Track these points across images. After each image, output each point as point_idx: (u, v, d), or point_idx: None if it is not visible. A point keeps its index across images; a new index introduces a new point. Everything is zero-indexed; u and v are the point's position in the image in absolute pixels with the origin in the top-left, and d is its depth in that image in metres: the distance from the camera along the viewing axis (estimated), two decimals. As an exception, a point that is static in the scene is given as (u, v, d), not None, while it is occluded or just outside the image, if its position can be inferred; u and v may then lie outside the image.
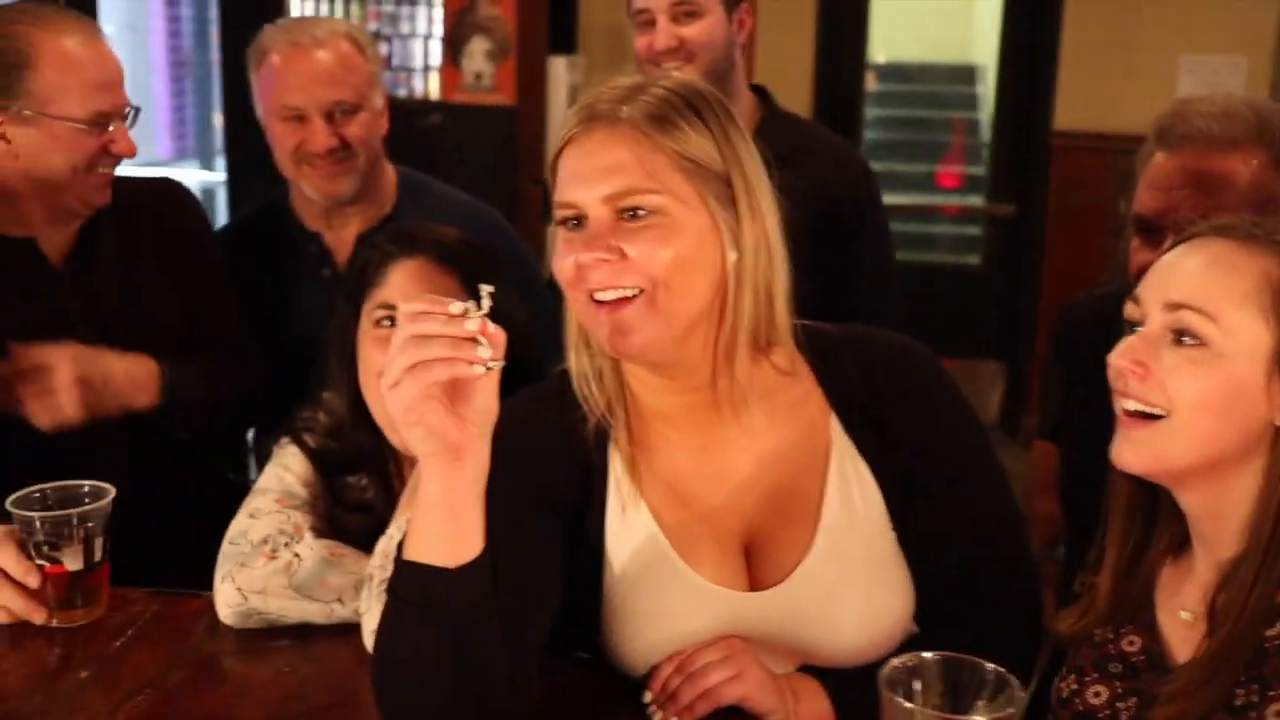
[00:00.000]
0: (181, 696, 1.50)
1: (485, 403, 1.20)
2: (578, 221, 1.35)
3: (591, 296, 1.35)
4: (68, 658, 1.58)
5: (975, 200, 7.07)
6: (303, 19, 2.33)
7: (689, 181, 1.34)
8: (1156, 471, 1.31)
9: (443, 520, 1.22)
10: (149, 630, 1.65)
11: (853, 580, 1.42)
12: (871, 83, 8.33)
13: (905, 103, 8.33)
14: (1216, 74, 4.97)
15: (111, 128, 1.98)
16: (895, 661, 1.15)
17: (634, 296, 1.33)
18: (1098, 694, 1.38)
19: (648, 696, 1.39)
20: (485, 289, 1.19)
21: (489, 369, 1.17)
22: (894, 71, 8.47)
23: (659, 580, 1.42)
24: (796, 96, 5.51)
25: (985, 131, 7.12)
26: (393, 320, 1.66)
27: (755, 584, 1.43)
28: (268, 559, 1.62)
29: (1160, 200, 1.69)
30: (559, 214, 1.37)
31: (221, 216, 5.88)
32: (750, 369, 1.41)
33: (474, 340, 1.15)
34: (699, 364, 1.39)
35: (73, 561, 1.62)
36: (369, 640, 1.48)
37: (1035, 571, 1.50)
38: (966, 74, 8.37)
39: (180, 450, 2.10)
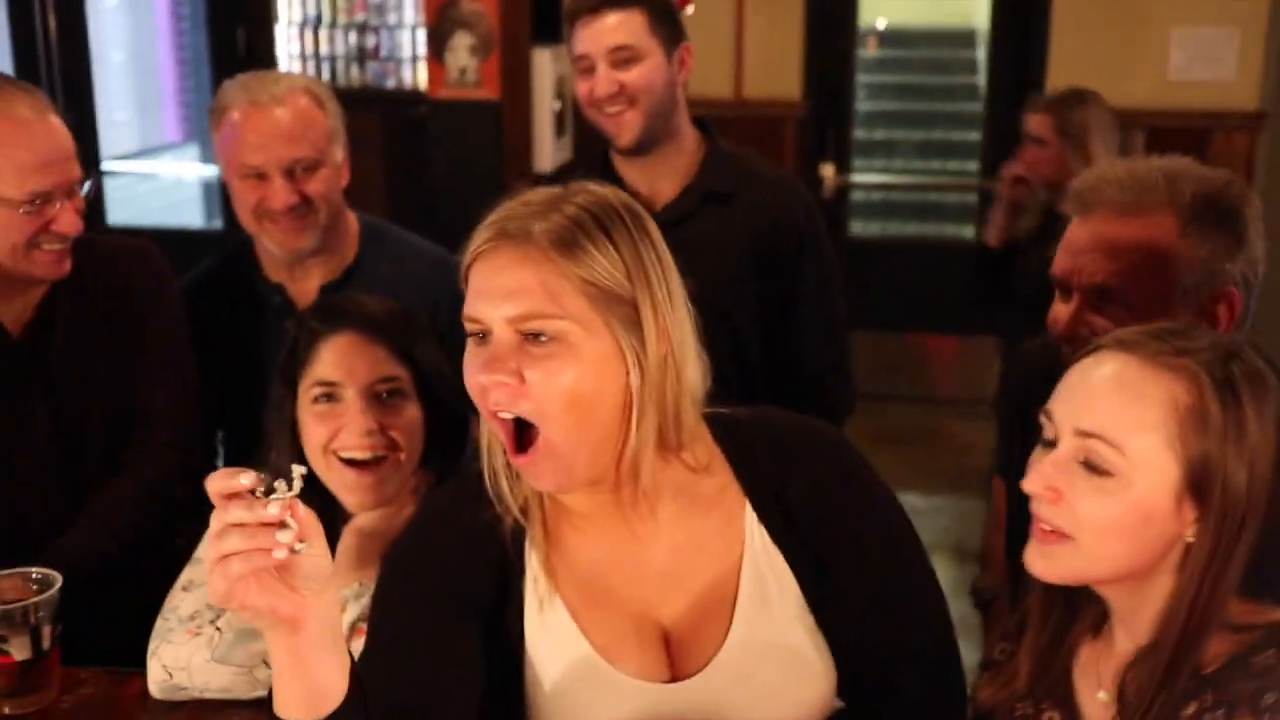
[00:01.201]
0: (127, 786, 1.53)
1: (313, 566, 1.19)
2: (482, 336, 1.36)
3: (494, 414, 1.36)
4: (15, 744, 1.61)
5: (970, 165, 7.01)
6: (262, 75, 2.28)
7: (593, 307, 1.33)
8: (1068, 581, 1.34)
9: (296, 682, 1.21)
10: (99, 714, 1.67)
11: (770, 667, 1.43)
12: (871, 48, 8.28)
13: (904, 69, 8.26)
14: (1209, 46, 4.92)
15: (57, 205, 1.95)
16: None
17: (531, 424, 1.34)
18: None
19: None
20: (298, 470, 1.17)
21: (295, 552, 1.15)
22: (895, 37, 8.39)
23: (579, 677, 1.42)
24: (786, 67, 5.49)
25: (979, 96, 7.07)
26: (330, 396, 1.72)
27: (676, 674, 1.44)
28: (191, 634, 1.66)
29: (1068, 263, 1.69)
30: (468, 326, 1.38)
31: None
32: (661, 469, 1.41)
33: (281, 524, 1.14)
34: (604, 474, 1.40)
35: (20, 651, 1.64)
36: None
37: (955, 658, 1.50)
38: (967, 38, 8.29)
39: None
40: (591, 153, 2.61)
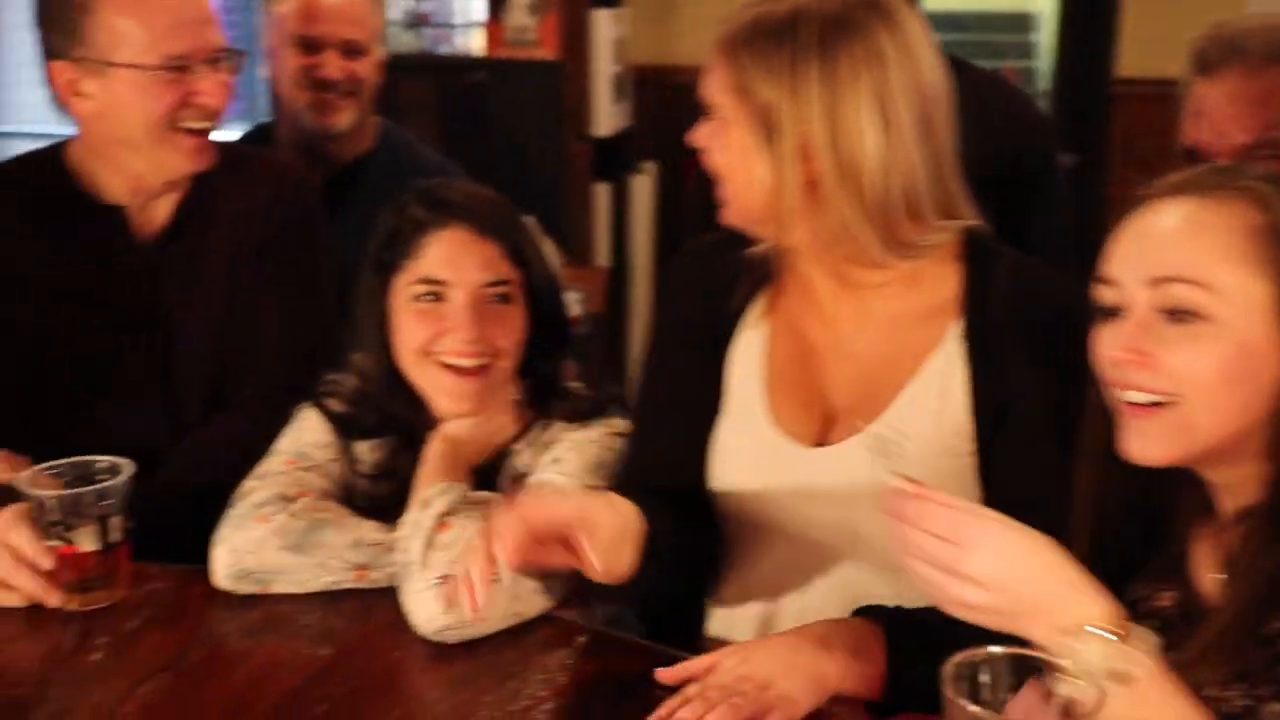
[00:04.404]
0: (200, 679, 1.43)
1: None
2: None
3: None
4: (84, 638, 1.51)
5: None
6: None
7: None
8: (1176, 457, 1.20)
9: None
10: (168, 609, 1.58)
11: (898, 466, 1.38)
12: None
13: (959, 52, 8.13)
14: (1289, 16, 4.77)
15: (198, 73, 1.81)
16: (959, 657, 1.04)
17: None
18: None
19: None
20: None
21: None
22: (948, 21, 8.25)
23: (742, 419, 1.56)
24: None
25: (1043, 80, 6.92)
26: (435, 295, 1.62)
27: (821, 442, 1.52)
28: (262, 521, 1.57)
29: (1211, 127, 1.58)
30: None
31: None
32: (895, 263, 1.48)
33: None
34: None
35: (87, 543, 1.54)
36: (414, 611, 1.47)
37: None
38: (1022, 21, 8.14)
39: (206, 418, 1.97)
40: (650, 119, 2.68)
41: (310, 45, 2.33)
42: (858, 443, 1.48)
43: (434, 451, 1.63)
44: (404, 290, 1.65)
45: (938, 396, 1.48)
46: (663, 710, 1.33)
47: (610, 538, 1.35)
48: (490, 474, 1.69)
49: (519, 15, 4.77)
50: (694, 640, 1.61)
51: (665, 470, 1.58)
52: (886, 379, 1.50)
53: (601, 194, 4.79)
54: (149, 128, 1.81)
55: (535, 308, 1.68)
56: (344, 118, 2.37)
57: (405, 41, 5.85)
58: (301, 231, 1.98)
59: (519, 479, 1.67)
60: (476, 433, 1.67)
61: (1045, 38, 7.25)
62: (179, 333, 1.93)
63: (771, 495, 1.54)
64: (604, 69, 4.79)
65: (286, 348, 1.93)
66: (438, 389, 1.65)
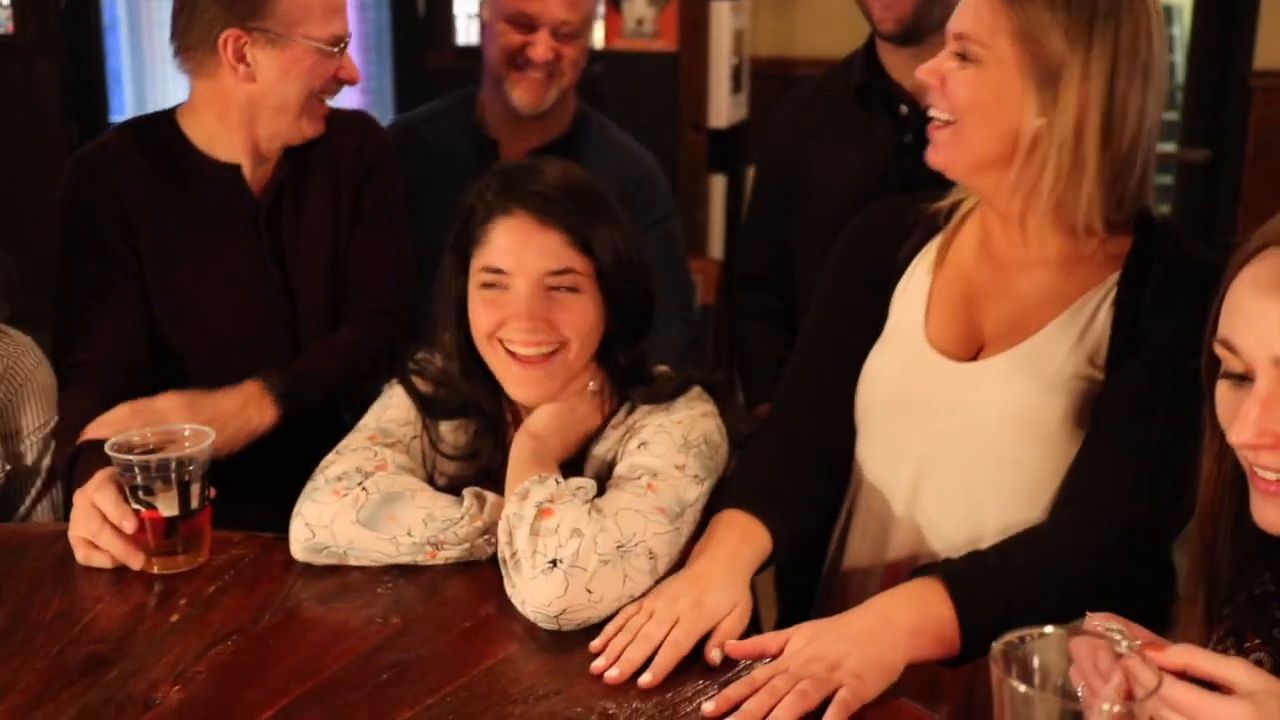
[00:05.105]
0: (269, 642, 1.45)
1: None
2: None
3: None
4: (164, 600, 1.55)
5: (1167, 146, 6.65)
6: None
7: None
8: None
9: None
10: (247, 574, 1.61)
11: (1041, 384, 1.54)
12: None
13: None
14: None
15: (339, 52, 2.01)
16: (1010, 635, 1.01)
17: None
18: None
19: None
20: None
21: None
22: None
23: (897, 338, 1.67)
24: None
25: (1178, 73, 6.70)
26: (499, 283, 1.63)
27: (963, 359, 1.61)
28: (337, 495, 1.59)
29: None
30: None
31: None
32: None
33: None
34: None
35: (168, 507, 1.58)
36: (528, 599, 1.46)
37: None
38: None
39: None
40: (768, 112, 2.64)
41: (524, 23, 2.36)
42: (1003, 359, 1.57)
43: (521, 448, 1.62)
44: (475, 275, 1.65)
45: (1083, 329, 1.55)
46: (730, 692, 1.32)
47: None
48: (578, 460, 1.69)
49: (638, 7, 4.77)
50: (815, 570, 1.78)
51: (819, 386, 1.72)
52: (1040, 313, 1.58)
53: (717, 186, 4.78)
54: (305, 95, 2.01)
55: (609, 294, 1.65)
56: (546, 97, 2.40)
57: (527, 35, 5.96)
58: (386, 168, 2.20)
59: (606, 465, 1.67)
60: (557, 424, 1.65)
61: (1181, 31, 7.02)
62: (298, 279, 2.12)
63: (914, 404, 1.63)
64: (722, 61, 4.77)
65: (388, 270, 2.17)
66: (505, 375, 1.66)
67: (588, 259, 1.63)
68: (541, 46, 2.36)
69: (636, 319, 1.70)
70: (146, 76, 6.73)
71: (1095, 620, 1.05)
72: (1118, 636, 1.01)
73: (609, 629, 1.43)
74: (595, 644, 1.41)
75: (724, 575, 1.48)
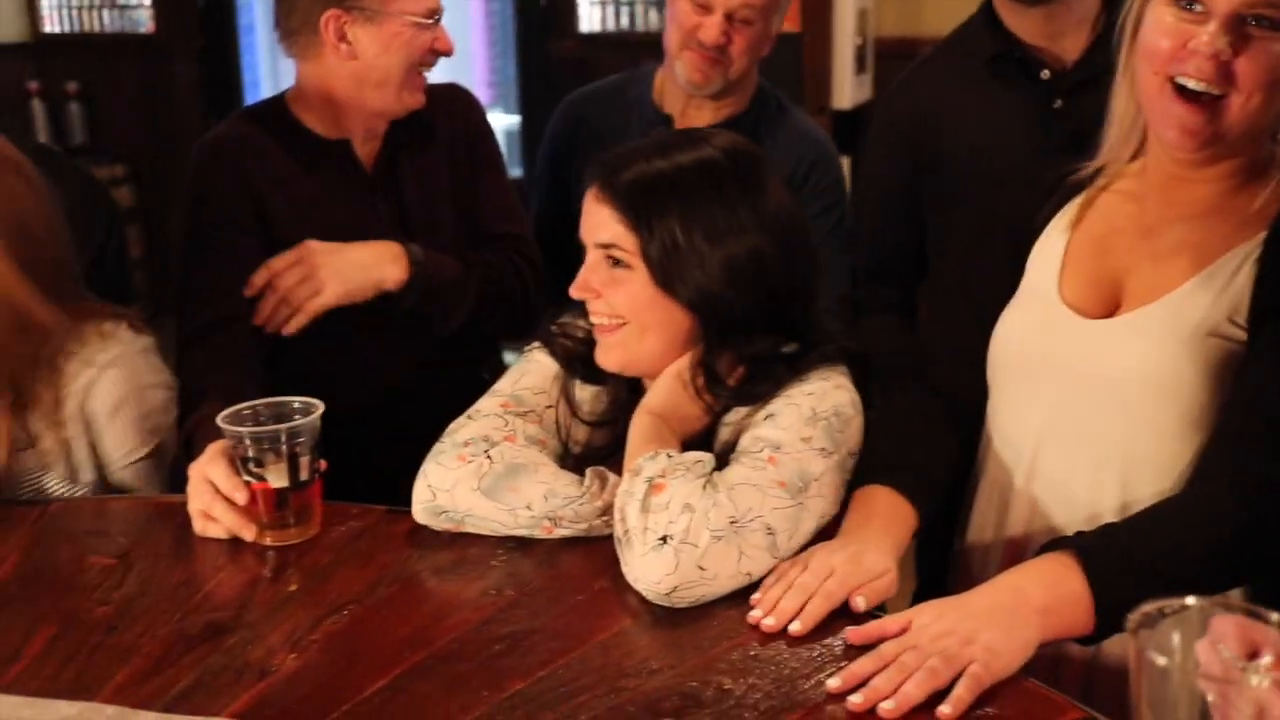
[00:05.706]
0: (382, 614, 1.45)
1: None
2: None
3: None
4: (279, 571, 1.56)
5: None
6: None
7: None
8: None
9: None
10: (363, 546, 1.61)
11: (1176, 343, 1.49)
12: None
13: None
14: None
15: (434, 24, 2.07)
16: (1147, 607, 0.95)
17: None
18: None
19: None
20: None
21: None
22: None
23: (1030, 296, 1.64)
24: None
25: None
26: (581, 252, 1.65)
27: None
28: (462, 460, 1.58)
29: None
30: None
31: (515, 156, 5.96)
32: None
33: None
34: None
35: (277, 479, 1.59)
36: (641, 575, 1.44)
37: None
38: None
39: (445, 348, 2.20)
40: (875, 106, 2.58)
41: (702, 3, 2.34)
42: (1138, 315, 1.53)
43: (639, 425, 1.60)
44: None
45: (1224, 285, 1.49)
46: (856, 667, 1.27)
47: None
48: (708, 435, 1.64)
49: (761, -12, 4.71)
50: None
51: (954, 338, 1.75)
52: (1182, 267, 1.53)
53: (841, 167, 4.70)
54: (406, 69, 2.06)
55: (668, 284, 1.58)
56: (711, 80, 2.38)
57: (651, 20, 5.92)
58: (487, 127, 2.34)
59: (731, 443, 1.62)
60: (674, 402, 1.61)
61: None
62: (420, 243, 2.14)
63: (1043, 363, 1.59)
64: (846, 41, 4.69)
65: (505, 207, 2.29)
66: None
67: (638, 237, 1.58)
68: (714, 29, 2.33)
69: (738, 323, 1.60)
70: (282, 76, 6.87)
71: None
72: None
73: (768, 580, 1.44)
74: (754, 597, 1.42)
75: (879, 543, 1.48)
